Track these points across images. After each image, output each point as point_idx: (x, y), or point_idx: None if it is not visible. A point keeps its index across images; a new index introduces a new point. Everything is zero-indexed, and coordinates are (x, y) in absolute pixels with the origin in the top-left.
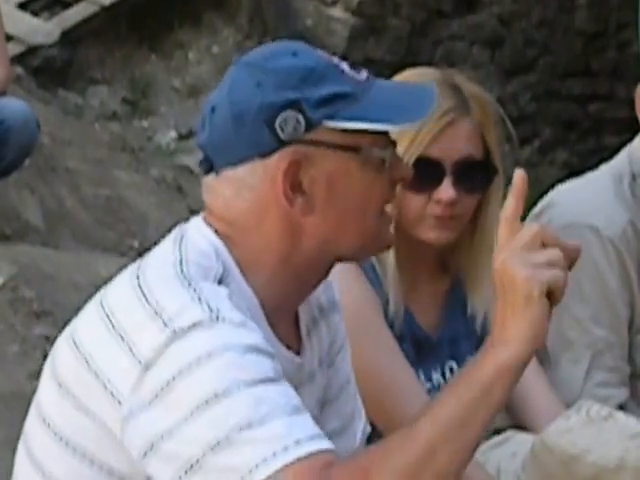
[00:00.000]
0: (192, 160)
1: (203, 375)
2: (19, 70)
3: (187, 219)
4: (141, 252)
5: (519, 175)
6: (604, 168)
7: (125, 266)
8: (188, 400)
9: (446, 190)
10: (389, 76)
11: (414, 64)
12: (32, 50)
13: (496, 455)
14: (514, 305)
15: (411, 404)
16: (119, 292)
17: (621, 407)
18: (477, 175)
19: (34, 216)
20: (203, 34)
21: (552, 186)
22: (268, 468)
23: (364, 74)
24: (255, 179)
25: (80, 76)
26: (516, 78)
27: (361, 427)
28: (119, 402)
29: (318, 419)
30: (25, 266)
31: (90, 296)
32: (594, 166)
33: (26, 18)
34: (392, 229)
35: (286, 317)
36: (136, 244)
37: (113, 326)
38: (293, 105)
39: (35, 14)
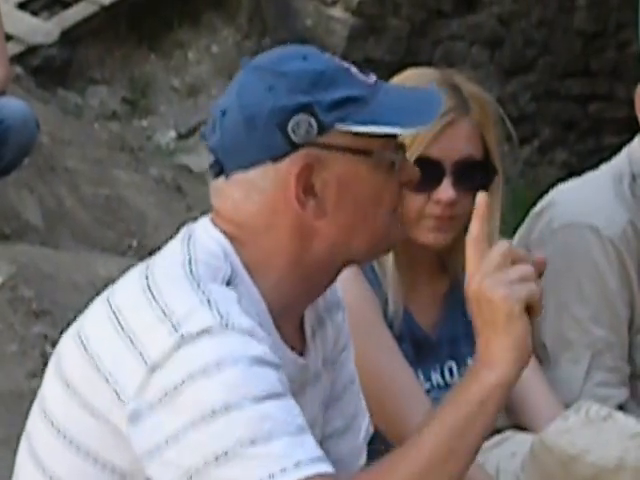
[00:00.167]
0: (191, 160)
1: (211, 385)
2: (18, 70)
3: (186, 219)
4: (140, 252)
5: (481, 197)
6: (604, 168)
7: (124, 265)
8: (195, 407)
9: (446, 190)
10: (389, 76)
11: (414, 64)
12: (32, 50)
13: (495, 455)
14: (495, 324)
15: (410, 404)
16: (128, 292)
17: (621, 407)
18: (477, 175)
19: (33, 215)
20: (202, 34)
21: (551, 186)
22: None
23: (373, 77)
24: (266, 182)
25: (79, 76)
26: (516, 78)
27: (365, 425)
28: (124, 401)
29: (322, 419)
30: (24, 265)
31: (89, 295)
32: (594, 166)
33: (26, 18)
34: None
35: (292, 319)
36: (135, 244)
37: (121, 326)
38: (305, 108)
39: (35, 14)
